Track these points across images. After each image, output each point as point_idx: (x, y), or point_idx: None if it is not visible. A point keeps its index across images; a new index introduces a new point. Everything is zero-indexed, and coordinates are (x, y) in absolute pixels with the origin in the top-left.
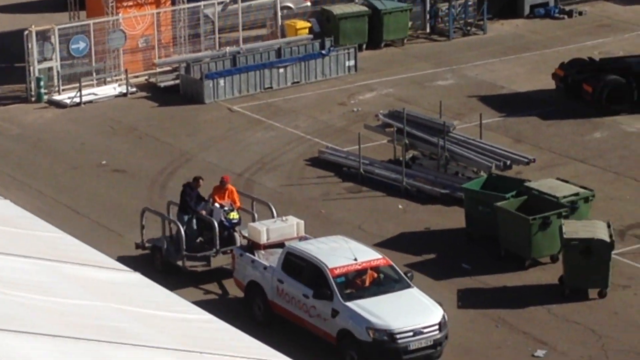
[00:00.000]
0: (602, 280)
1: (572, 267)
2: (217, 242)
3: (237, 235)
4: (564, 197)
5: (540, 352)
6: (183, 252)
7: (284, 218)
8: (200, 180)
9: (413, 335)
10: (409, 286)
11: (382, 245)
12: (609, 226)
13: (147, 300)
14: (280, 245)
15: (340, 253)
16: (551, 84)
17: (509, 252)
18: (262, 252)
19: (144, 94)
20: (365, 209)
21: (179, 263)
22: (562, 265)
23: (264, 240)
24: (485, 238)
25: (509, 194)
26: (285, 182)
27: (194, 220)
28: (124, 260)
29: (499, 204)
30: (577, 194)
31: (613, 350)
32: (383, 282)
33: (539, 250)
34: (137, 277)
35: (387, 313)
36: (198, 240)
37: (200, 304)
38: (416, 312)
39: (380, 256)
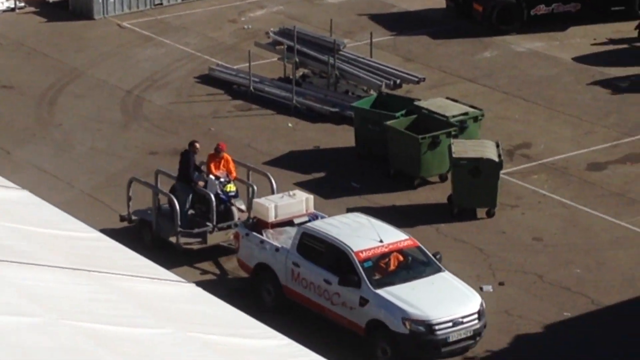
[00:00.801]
0: (490, 199)
1: (461, 187)
2: (214, 217)
3: (234, 209)
4: (453, 116)
5: None
6: (178, 228)
7: (291, 193)
8: (197, 144)
9: (452, 326)
10: (439, 269)
11: (271, 163)
12: (497, 146)
13: (36, 218)
14: (288, 222)
15: (363, 233)
16: (442, 3)
17: (398, 171)
18: (271, 231)
19: (32, 9)
20: (255, 127)
21: (172, 239)
22: (450, 185)
23: (271, 218)
24: (375, 157)
25: (398, 112)
26: (175, 100)
27: (190, 193)
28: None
29: (388, 122)
30: (466, 114)
31: (500, 269)
32: (411, 266)
33: (428, 169)
34: (25, 195)
35: (423, 302)
36: (189, 213)
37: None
38: (453, 299)
39: (406, 236)
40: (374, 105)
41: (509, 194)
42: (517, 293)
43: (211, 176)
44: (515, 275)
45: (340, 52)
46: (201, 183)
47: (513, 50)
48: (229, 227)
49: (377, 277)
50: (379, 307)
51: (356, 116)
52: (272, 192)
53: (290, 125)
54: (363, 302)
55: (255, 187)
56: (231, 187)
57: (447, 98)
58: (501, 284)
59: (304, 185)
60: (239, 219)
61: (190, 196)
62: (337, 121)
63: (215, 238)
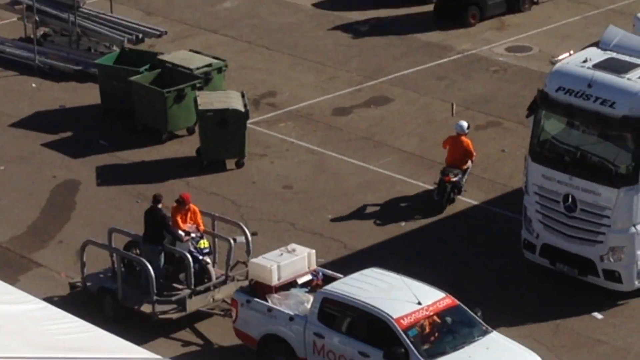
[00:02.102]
0: (238, 150)
1: (209, 139)
2: (192, 280)
3: (211, 268)
4: (197, 68)
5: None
6: (154, 296)
7: (289, 249)
8: (161, 197)
9: None
10: (487, 330)
11: (17, 125)
12: (243, 96)
13: None
14: (291, 283)
15: (396, 295)
16: None
17: (145, 126)
18: (276, 296)
19: None
20: None
21: (145, 309)
22: (198, 137)
23: (275, 281)
24: (121, 113)
25: (142, 67)
26: None
27: (160, 254)
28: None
29: (132, 78)
30: (210, 65)
31: (252, 219)
32: (456, 329)
33: (175, 123)
34: None
35: None
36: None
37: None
38: None
39: (443, 294)
40: (118, 61)
41: (258, 144)
42: (271, 242)
43: (180, 232)
44: (268, 224)
45: (81, 9)
46: (187, 238)
47: None
48: (207, 289)
49: (425, 347)
50: None
51: (100, 73)
52: (247, 247)
53: (34, 85)
54: None
55: (232, 241)
56: (205, 243)
57: (191, 50)
58: (254, 234)
59: (51, 146)
60: (216, 278)
61: (162, 258)
62: (82, 79)
63: (195, 303)
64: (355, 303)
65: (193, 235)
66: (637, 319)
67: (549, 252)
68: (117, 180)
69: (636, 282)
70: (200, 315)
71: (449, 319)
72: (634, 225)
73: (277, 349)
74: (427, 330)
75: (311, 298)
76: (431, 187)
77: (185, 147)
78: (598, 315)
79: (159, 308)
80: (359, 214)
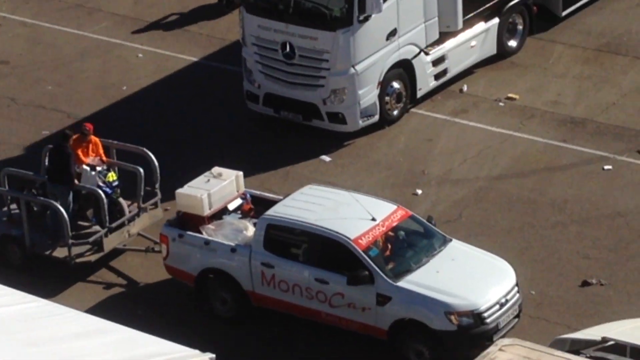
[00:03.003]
0: None
1: None
2: (107, 217)
3: (122, 202)
4: None
5: None
6: (69, 239)
7: (214, 173)
8: (72, 135)
9: (500, 309)
10: (447, 239)
11: None
12: None
13: None
14: (222, 211)
15: (347, 212)
16: None
17: None
18: (210, 226)
19: None
20: None
21: (58, 254)
22: None
23: (206, 210)
24: None
25: None
26: None
27: (69, 194)
28: None
29: None
30: None
31: None
32: (414, 242)
33: None
34: None
35: (460, 287)
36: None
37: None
38: (488, 276)
39: (394, 205)
40: None
41: None
42: None
43: (85, 167)
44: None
45: None
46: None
47: None
48: (122, 224)
49: (390, 266)
50: (408, 304)
51: None
52: (155, 175)
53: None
54: (383, 300)
55: (142, 171)
56: (112, 176)
57: None
58: None
59: None
60: (130, 212)
61: (71, 198)
62: None
63: (112, 241)
64: (305, 227)
65: (99, 168)
66: (364, 157)
67: (272, 101)
68: None
69: (360, 122)
70: (115, 253)
71: (404, 232)
72: (353, 67)
73: (219, 283)
74: (387, 247)
75: (248, 225)
76: (145, 47)
77: None
78: (326, 158)
79: (74, 251)
80: (79, 82)
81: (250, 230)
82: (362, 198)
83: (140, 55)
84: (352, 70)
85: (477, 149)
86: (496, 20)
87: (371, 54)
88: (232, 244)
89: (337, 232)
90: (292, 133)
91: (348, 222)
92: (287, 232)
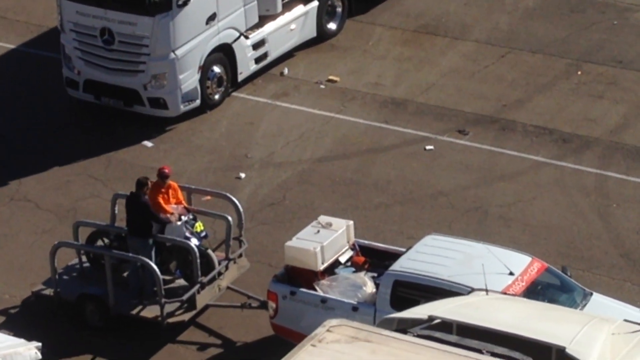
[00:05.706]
0: None
1: None
2: (199, 271)
3: (212, 254)
4: None
5: None
6: (162, 299)
7: (323, 222)
8: (150, 182)
9: None
10: (587, 293)
11: None
12: None
13: None
14: (333, 264)
15: (481, 266)
16: None
17: None
18: (325, 282)
19: None
20: None
21: (147, 314)
22: None
23: (320, 265)
24: None
25: None
26: None
27: (152, 248)
28: None
29: None
30: None
31: None
32: (553, 298)
33: None
34: None
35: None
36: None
37: None
38: None
39: (529, 257)
40: None
41: None
42: None
43: (168, 215)
44: None
45: None
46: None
47: None
48: (213, 279)
49: None
50: None
51: None
52: (240, 221)
53: None
54: None
55: (230, 219)
56: (200, 226)
57: None
58: None
59: None
60: (219, 264)
61: (154, 252)
62: None
63: (204, 298)
64: (438, 283)
65: (184, 218)
66: (186, 141)
67: (92, 87)
68: None
69: (182, 107)
70: (202, 310)
71: (542, 287)
72: (173, 51)
73: None
74: None
75: (367, 280)
76: None
77: None
78: (148, 143)
79: (167, 310)
80: None
81: (369, 286)
82: (494, 249)
83: None
84: (172, 55)
85: (299, 132)
86: (315, 3)
87: (191, 39)
88: (353, 301)
89: (472, 289)
90: (113, 119)
91: (485, 277)
92: (418, 289)
